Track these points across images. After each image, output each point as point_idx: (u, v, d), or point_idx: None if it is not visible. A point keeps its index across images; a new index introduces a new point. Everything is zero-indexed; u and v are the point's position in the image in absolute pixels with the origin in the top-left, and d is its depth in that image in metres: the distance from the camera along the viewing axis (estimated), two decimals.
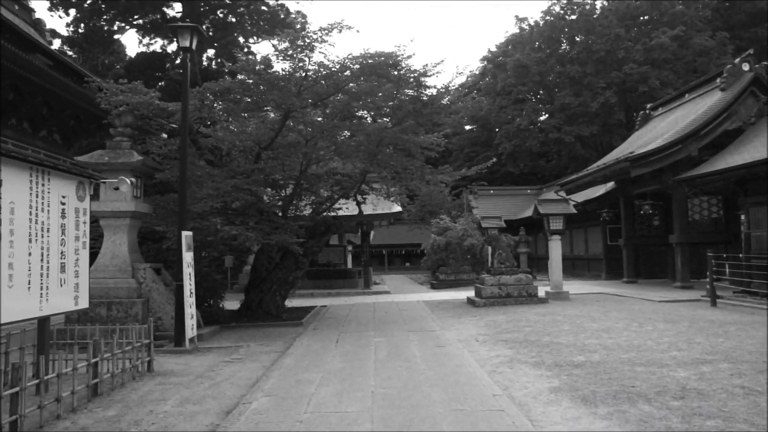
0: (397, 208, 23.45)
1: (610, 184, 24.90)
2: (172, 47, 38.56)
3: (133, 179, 8.09)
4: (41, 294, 6.89)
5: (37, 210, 6.84)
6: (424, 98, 14.50)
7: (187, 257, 10.53)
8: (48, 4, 38.54)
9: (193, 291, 10.79)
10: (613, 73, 43.06)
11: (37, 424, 5.73)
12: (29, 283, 6.65)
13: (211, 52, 37.85)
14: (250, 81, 12.69)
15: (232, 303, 15.76)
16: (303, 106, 13.06)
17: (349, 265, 30.70)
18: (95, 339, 7.11)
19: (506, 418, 5.36)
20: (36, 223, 6.81)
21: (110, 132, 12.05)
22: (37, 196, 6.84)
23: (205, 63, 36.95)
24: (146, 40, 40.57)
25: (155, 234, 15.15)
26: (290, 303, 15.97)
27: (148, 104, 12.34)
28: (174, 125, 14.60)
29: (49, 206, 7.09)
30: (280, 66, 33.85)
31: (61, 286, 7.34)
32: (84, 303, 7.96)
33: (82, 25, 36.68)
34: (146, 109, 12.36)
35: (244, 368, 8.49)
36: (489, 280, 16.23)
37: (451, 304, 17.48)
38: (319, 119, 14.37)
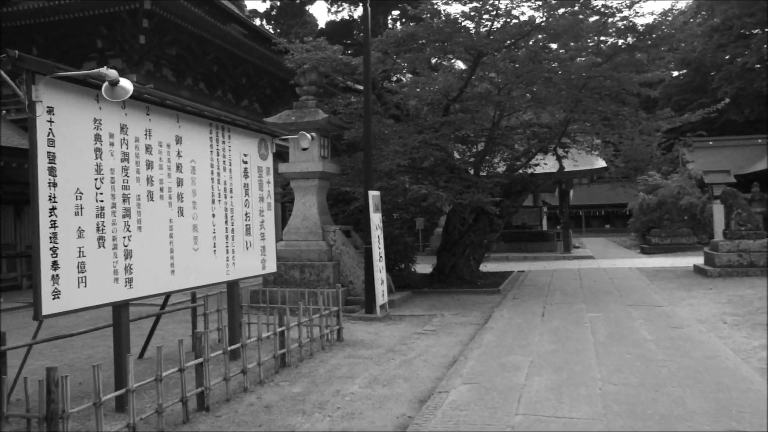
0: (601, 163, 20.88)
1: None
2: (358, 12, 38.92)
3: (314, 134, 7.46)
4: (227, 257, 6.54)
5: (218, 169, 6.43)
6: (639, 28, 12.11)
7: (375, 219, 9.85)
8: None
9: (383, 255, 10.12)
10: None
11: (224, 396, 5.31)
12: (214, 246, 6.30)
13: (395, 12, 37.45)
14: (434, 24, 11.48)
15: (423, 266, 15.08)
16: (496, 48, 11.57)
17: (545, 227, 28.61)
18: (281, 307, 6.62)
19: None
20: (218, 182, 6.42)
21: (296, 91, 11.76)
22: (218, 154, 6.43)
23: (390, 24, 36.67)
24: (334, 8, 41.52)
25: (345, 195, 14.92)
26: (484, 267, 14.83)
27: (332, 60, 11.82)
28: (359, 86, 14.06)
29: (230, 165, 6.67)
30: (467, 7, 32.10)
31: (247, 249, 6.96)
32: (271, 267, 7.58)
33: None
34: (330, 66, 11.85)
35: (438, 343, 7.54)
36: (724, 246, 13.43)
37: (671, 272, 14.95)
38: (512, 64, 12.76)
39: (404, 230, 19.86)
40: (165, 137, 5.57)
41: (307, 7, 41.39)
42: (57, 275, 4.32)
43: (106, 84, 4.23)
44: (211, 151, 6.32)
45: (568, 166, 16.86)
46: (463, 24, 11.43)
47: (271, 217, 7.61)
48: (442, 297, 11.80)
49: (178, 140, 5.77)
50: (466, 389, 5.24)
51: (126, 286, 4.99)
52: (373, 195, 9.87)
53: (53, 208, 4.32)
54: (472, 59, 11.93)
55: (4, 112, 14.46)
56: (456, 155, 13.67)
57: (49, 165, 4.31)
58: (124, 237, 4.99)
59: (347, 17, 41.30)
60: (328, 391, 5.47)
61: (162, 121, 5.54)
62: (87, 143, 4.66)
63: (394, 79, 16.25)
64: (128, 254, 5.02)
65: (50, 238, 4.28)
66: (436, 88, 12.40)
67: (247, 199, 6.99)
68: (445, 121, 11.84)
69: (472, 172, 13.37)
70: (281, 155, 13.85)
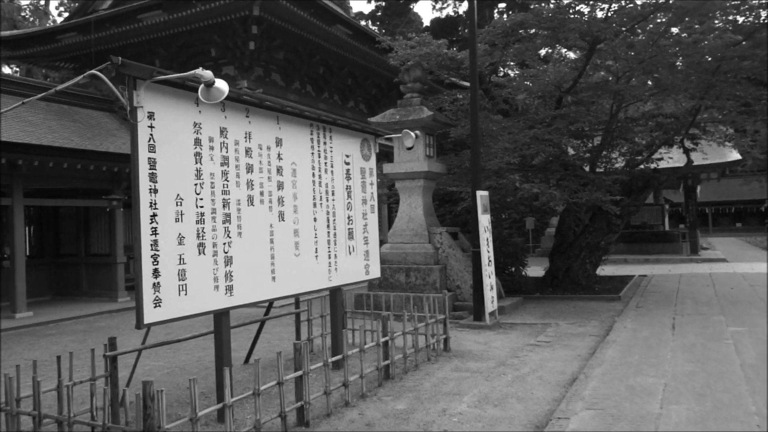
0: (735, 156, 18.92)
1: None
2: (463, 7, 38.19)
3: (418, 132, 7.10)
4: (329, 263, 6.32)
5: (320, 171, 6.23)
6: None
7: (484, 220, 9.31)
8: None
9: (492, 258, 9.56)
10: None
11: (324, 410, 5.06)
12: (316, 251, 6.09)
13: (501, 5, 36.36)
14: (544, 11, 10.72)
15: (534, 269, 14.30)
16: (615, 33, 10.61)
17: (667, 226, 26.47)
18: (384, 315, 6.30)
19: None
20: (320, 185, 6.21)
21: (400, 89, 11.46)
22: (319, 156, 6.23)
23: (496, 17, 35.64)
24: (439, 5, 41.07)
25: (452, 195, 14.46)
26: (601, 271, 13.79)
27: (437, 55, 11.42)
28: (465, 83, 13.53)
29: (332, 166, 6.45)
30: None
31: (350, 253, 6.71)
32: (375, 272, 7.30)
33: None
34: (434, 61, 11.44)
35: (553, 356, 6.90)
36: None
37: None
38: (630, 52, 11.66)
39: (513, 230, 19.08)
40: (265, 139, 5.43)
41: (411, 6, 41.25)
42: (158, 283, 4.24)
43: (202, 86, 4.09)
44: (312, 153, 6.13)
45: (697, 159, 15.34)
46: (576, 8, 10.61)
47: (375, 220, 7.33)
48: (555, 303, 11.03)
49: (278, 142, 5.61)
50: (589, 416, 4.63)
51: (226, 293, 4.87)
52: (482, 195, 9.35)
53: (154, 215, 4.25)
54: (587, 46, 11.04)
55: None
56: (570, 151, 12.76)
57: (150, 171, 4.24)
58: (225, 243, 4.87)
59: (452, 14, 40.67)
60: (433, 410, 5.07)
61: (262, 123, 5.40)
62: (187, 148, 4.57)
63: (501, 73, 15.56)
64: (228, 261, 4.90)
65: (151, 245, 4.21)
66: (548, 80, 11.61)
67: (349, 202, 6.76)
68: (558, 114, 11.05)
69: (587, 168, 12.43)
70: (387, 155, 13.67)
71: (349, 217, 6.73)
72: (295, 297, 6.92)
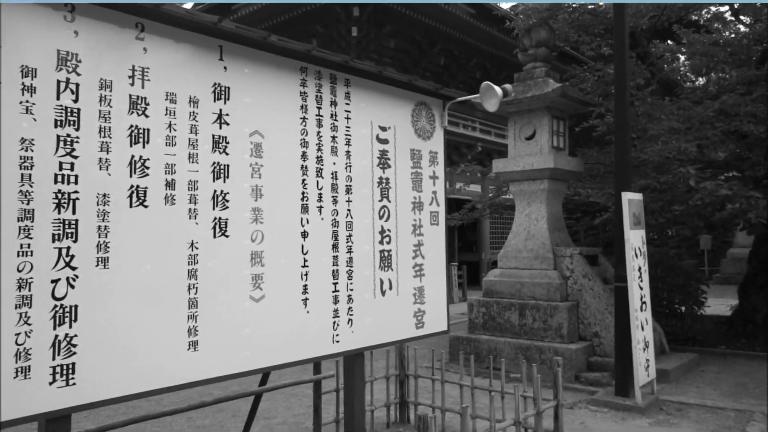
0: None
1: None
2: None
3: (508, 86, 4.22)
4: (335, 311, 3.63)
5: (319, 151, 3.58)
6: None
7: (634, 237, 6.00)
8: None
9: (647, 298, 6.20)
10: None
11: None
12: (305, 291, 3.44)
13: None
14: None
15: (712, 304, 10.39)
16: None
17: None
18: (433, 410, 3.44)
19: None
20: (319, 175, 3.56)
21: (519, 58, 8.45)
22: (318, 125, 3.59)
23: None
24: None
25: (593, 205, 11.01)
26: None
27: (571, 10, 8.25)
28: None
29: (348, 144, 3.77)
30: None
31: (383, 293, 3.95)
32: (437, 323, 4.43)
33: None
34: (567, 18, 8.27)
35: None
36: None
37: None
38: None
39: (682, 250, 14.90)
40: (184, 86, 2.91)
41: None
42: None
43: None
44: (304, 118, 3.50)
45: None
46: None
47: (439, 236, 4.49)
48: (753, 366, 7.26)
49: (221, 93, 3.06)
50: None
51: (57, 381, 2.41)
52: (630, 199, 6.04)
53: None
54: None
55: None
56: None
57: None
58: (58, 280, 2.42)
59: None
60: None
61: (174, 54, 2.89)
62: None
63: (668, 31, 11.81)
64: (65, 315, 2.44)
65: None
66: (741, 34, 7.91)
67: (384, 206, 4.01)
68: (761, 74, 7.25)
69: None
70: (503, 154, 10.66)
71: (382, 232, 3.98)
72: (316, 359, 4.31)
